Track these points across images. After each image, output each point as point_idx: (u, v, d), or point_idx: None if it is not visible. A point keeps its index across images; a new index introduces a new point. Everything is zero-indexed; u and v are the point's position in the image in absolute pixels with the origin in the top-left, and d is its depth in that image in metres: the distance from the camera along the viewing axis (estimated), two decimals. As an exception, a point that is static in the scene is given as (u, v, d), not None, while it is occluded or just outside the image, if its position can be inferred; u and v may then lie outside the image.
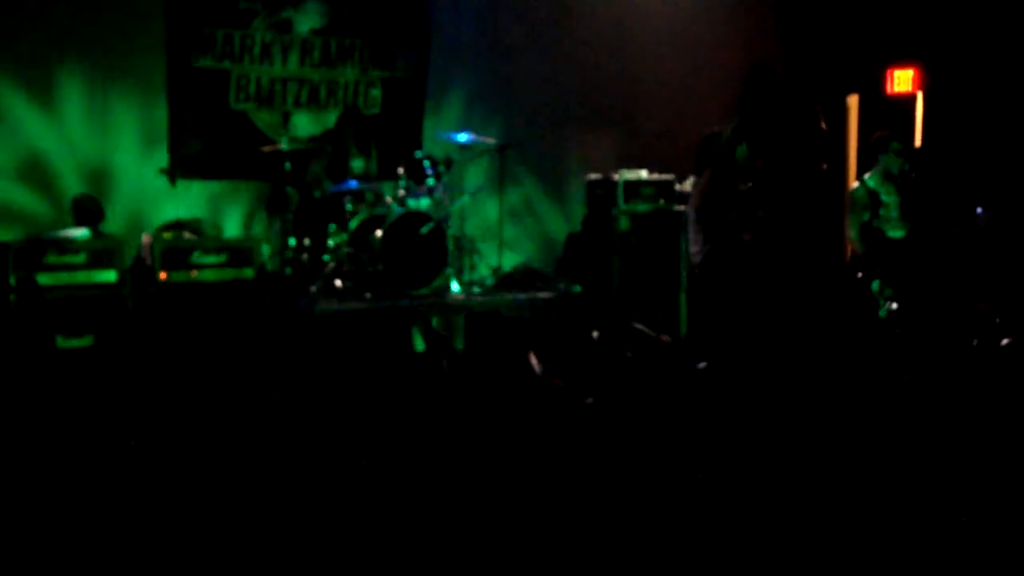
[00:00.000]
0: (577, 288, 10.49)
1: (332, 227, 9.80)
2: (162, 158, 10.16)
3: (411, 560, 4.07)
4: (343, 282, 9.61)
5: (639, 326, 6.48)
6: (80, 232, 8.93)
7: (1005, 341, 5.71)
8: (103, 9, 9.94)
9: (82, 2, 9.86)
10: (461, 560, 4.03)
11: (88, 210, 9.14)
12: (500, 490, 4.35)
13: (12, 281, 8.16)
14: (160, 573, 4.16)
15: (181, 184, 10.20)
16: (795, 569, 3.93)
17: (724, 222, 8.83)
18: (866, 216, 9.35)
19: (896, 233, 9.31)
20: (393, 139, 10.89)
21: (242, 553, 4.16)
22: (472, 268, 10.49)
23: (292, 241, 9.82)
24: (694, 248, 9.06)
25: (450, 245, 10.11)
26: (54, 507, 4.68)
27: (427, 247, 9.84)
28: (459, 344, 10.23)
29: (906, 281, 9.04)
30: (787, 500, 4.22)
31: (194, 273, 8.78)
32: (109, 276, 8.50)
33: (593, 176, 11.23)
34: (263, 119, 10.58)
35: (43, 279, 8.25)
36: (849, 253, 10.64)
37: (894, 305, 7.78)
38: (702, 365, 5.65)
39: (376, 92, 11.10)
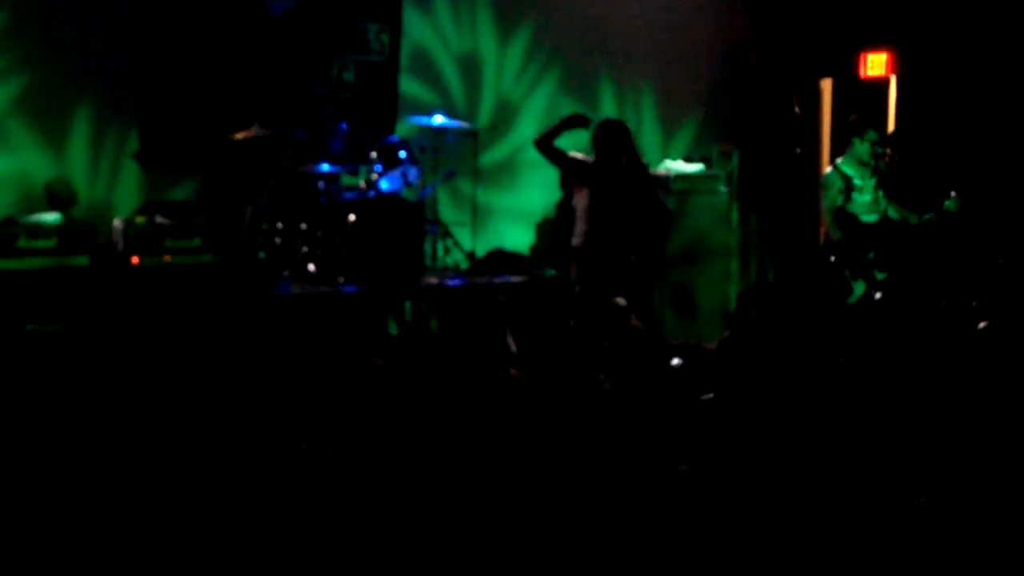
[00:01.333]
0: (551, 272, 10.47)
1: (305, 211, 9.74)
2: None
3: (383, 553, 4.06)
4: (316, 266, 9.57)
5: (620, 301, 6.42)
6: (52, 216, 8.85)
7: (982, 325, 5.73)
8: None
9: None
10: (442, 553, 4.02)
11: (60, 195, 9.06)
12: (476, 480, 4.34)
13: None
14: (133, 563, 4.14)
15: (154, 169, 10.13)
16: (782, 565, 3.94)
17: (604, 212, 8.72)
18: (840, 200, 9.35)
19: (870, 218, 9.31)
20: (366, 122, 10.82)
21: (212, 540, 4.14)
22: (446, 252, 10.46)
23: (265, 225, 9.76)
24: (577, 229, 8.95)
25: (424, 229, 10.07)
26: (26, 491, 4.65)
27: (400, 231, 9.80)
28: (433, 327, 10.20)
29: (881, 266, 9.06)
30: (769, 495, 4.22)
31: (167, 257, 8.72)
32: (80, 261, 8.42)
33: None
34: (236, 104, 10.46)
35: (14, 264, 8.17)
36: (822, 238, 10.66)
37: (878, 295, 7.78)
38: (676, 362, 5.62)
39: (349, 75, 11.02)
